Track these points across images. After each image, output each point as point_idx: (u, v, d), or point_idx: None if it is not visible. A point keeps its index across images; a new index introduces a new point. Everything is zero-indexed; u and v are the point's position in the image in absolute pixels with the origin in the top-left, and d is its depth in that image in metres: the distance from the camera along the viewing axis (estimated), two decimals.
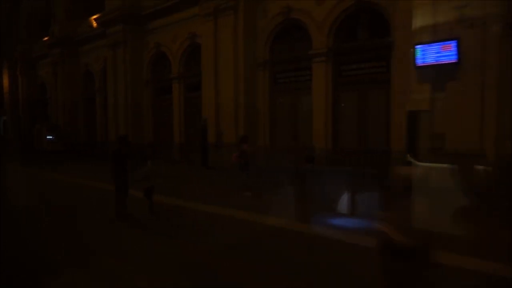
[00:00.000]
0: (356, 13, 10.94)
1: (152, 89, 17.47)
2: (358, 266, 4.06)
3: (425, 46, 8.40)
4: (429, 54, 8.38)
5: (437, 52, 8.26)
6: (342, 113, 11.45)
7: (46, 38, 22.73)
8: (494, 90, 7.90)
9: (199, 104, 14.13)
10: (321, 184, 9.08)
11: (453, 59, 8.04)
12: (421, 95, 8.65)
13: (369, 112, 10.91)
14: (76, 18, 21.21)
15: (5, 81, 29.12)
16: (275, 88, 12.85)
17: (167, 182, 9.25)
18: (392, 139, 9.98)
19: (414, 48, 8.52)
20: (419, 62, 8.49)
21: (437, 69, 8.36)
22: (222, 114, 13.15)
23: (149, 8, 16.22)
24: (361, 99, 11.03)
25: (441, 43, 8.15)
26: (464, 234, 4.65)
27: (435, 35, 8.34)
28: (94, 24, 19.38)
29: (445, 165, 5.42)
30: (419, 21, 8.63)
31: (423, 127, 8.17)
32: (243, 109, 12.68)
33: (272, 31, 12.60)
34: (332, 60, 11.34)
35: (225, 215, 6.61)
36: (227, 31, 12.76)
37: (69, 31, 21.28)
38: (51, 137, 21.27)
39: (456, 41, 7.98)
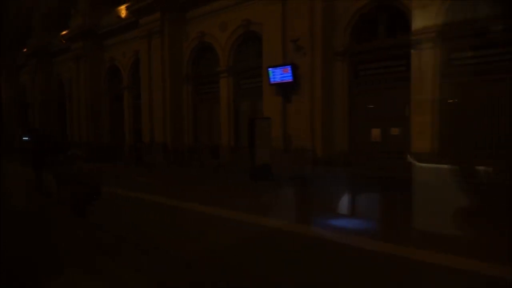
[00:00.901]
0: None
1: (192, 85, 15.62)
2: None
3: (274, 69, 11.44)
4: (276, 75, 11.39)
5: (280, 74, 11.28)
6: None
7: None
8: (320, 102, 10.96)
9: None
10: None
11: (290, 79, 11.08)
12: (274, 106, 11.76)
13: None
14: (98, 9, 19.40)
15: None
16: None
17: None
18: None
19: (268, 70, 11.58)
20: (272, 80, 11.57)
21: (284, 86, 11.44)
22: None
23: None
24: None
25: (282, 67, 11.21)
26: (461, 235, 4.68)
27: (282, 60, 11.45)
28: (123, 14, 17.56)
29: (445, 166, 5.32)
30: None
31: (263, 131, 10.43)
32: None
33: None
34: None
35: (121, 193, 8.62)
36: None
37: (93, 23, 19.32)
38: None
39: (291, 65, 11.02)
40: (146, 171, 13.79)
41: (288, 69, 11.06)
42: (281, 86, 11.46)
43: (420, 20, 9.01)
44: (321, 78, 10.93)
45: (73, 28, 20.20)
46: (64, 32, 21.16)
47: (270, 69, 11.52)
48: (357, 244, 4.57)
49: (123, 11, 17.82)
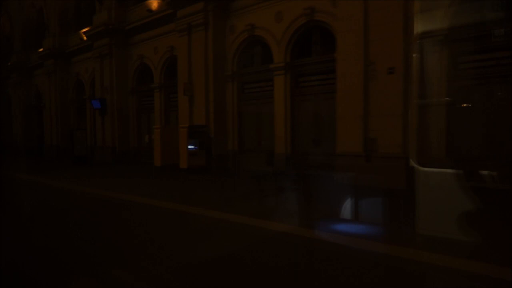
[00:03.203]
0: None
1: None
2: None
3: (93, 101, 18.99)
4: (95, 103, 18.62)
5: (96, 103, 18.60)
6: None
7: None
8: None
9: None
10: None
11: (99, 106, 18.60)
12: None
13: None
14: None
15: None
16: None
17: None
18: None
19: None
20: (94, 107, 18.85)
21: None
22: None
23: None
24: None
25: (96, 100, 18.71)
26: (468, 239, 4.78)
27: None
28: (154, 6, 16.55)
29: (449, 170, 5.35)
30: None
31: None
32: None
33: None
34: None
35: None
36: None
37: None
38: None
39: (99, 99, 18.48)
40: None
41: None
42: None
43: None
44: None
45: (97, 24, 18.73)
46: (85, 29, 19.90)
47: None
48: None
49: (154, 3, 16.27)
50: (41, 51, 23.53)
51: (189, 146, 13.12)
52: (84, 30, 19.92)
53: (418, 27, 8.39)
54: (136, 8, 17.60)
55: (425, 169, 5.38)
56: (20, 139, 27.32)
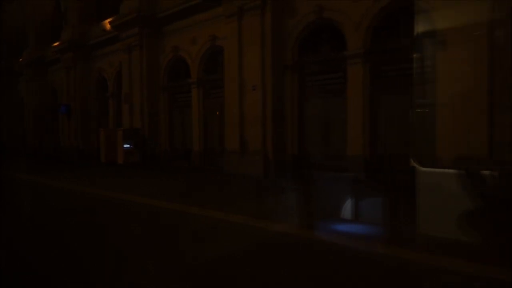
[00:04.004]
0: None
1: None
2: None
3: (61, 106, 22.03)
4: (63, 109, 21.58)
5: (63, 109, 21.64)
6: None
7: None
8: None
9: None
10: None
11: (65, 112, 21.63)
12: None
13: None
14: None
15: None
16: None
17: None
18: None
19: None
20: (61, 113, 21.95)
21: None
22: None
23: None
24: None
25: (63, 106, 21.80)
26: (470, 240, 4.77)
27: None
28: None
29: (450, 170, 5.14)
30: None
31: None
32: None
33: None
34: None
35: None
36: None
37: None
38: None
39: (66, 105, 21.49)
40: None
41: None
42: None
43: None
44: None
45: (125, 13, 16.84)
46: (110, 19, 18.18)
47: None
48: None
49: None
50: (58, 44, 21.59)
51: (125, 145, 15.64)
52: (109, 20, 18.04)
53: None
54: None
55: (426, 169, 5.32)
56: (32, 140, 25.89)
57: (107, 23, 18.27)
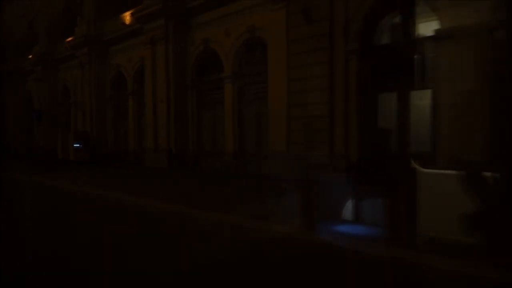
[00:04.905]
0: None
1: None
2: None
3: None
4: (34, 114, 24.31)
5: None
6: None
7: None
8: None
9: None
10: None
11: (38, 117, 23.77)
12: None
13: None
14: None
15: None
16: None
17: None
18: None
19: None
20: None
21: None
22: None
23: None
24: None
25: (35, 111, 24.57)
26: (470, 241, 4.86)
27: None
28: None
29: (451, 172, 5.24)
30: None
31: None
32: None
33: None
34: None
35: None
36: None
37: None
38: None
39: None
40: None
41: None
42: None
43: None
44: None
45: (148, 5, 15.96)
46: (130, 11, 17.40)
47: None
48: None
49: None
50: (72, 39, 20.62)
51: (75, 145, 19.35)
52: (130, 12, 17.00)
53: None
54: None
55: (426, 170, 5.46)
56: (40, 141, 24.99)
57: (127, 16, 17.34)
